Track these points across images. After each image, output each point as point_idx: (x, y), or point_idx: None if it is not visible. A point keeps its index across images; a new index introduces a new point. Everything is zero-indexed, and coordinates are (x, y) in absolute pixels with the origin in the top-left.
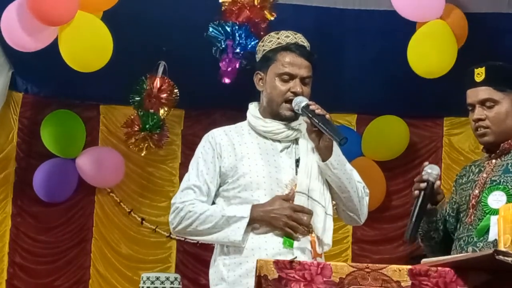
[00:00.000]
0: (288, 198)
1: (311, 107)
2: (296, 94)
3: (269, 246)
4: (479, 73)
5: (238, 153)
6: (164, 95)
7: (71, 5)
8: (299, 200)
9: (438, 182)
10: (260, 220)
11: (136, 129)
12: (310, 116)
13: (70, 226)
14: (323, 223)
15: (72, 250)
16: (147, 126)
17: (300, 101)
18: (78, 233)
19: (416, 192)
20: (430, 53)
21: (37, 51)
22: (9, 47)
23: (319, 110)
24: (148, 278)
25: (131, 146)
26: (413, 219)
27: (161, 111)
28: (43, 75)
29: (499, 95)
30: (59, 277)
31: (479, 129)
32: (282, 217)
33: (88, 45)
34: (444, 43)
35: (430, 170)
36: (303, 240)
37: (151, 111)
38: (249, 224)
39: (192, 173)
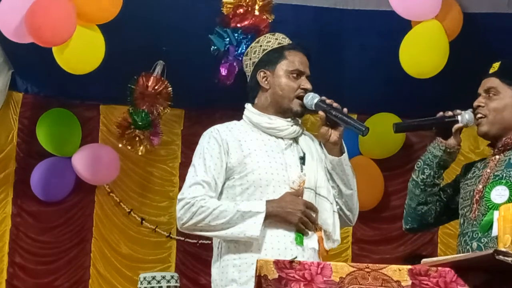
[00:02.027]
0: (298, 194)
1: (328, 101)
2: (306, 90)
3: (281, 246)
4: (494, 66)
5: (245, 149)
6: (157, 94)
7: (69, 24)
8: (308, 196)
9: (459, 125)
10: (276, 215)
11: (126, 126)
12: (327, 109)
13: (70, 226)
14: (333, 219)
15: (72, 250)
16: (138, 124)
17: (313, 97)
18: (78, 233)
19: (441, 113)
20: (421, 53)
21: (37, 51)
22: (9, 47)
23: (336, 104)
24: (145, 278)
25: (120, 145)
26: (416, 120)
27: (154, 110)
28: (43, 75)
29: (503, 88)
30: (59, 277)
31: (477, 117)
32: (297, 212)
33: (81, 51)
34: (436, 44)
35: (466, 113)
36: (312, 237)
37: (143, 109)
38: (264, 219)
39: (199, 169)
